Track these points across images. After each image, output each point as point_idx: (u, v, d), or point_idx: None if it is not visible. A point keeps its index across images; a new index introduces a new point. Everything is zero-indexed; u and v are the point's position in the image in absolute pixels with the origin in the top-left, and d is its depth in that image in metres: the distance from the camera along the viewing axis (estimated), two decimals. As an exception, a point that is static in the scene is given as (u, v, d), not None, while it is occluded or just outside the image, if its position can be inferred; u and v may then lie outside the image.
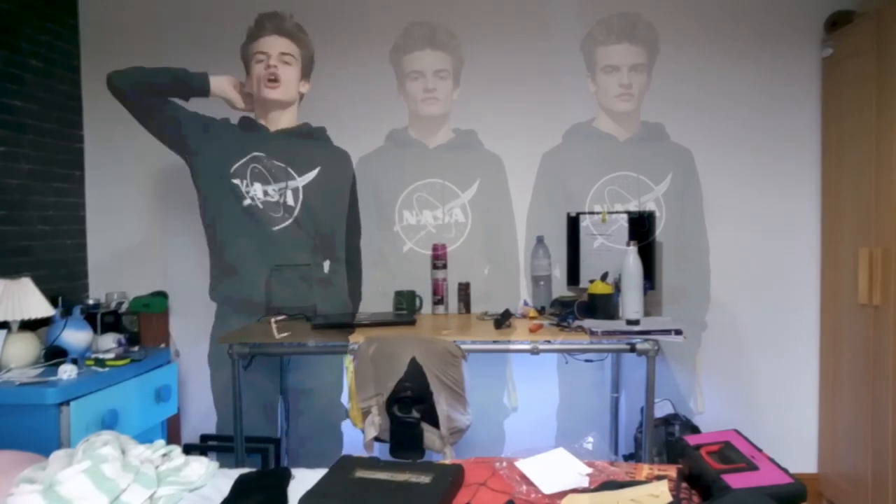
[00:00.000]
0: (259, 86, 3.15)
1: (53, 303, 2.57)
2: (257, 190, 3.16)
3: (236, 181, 3.16)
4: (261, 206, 3.16)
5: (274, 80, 3.13)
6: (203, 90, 3.12)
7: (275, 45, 3.14)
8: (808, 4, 3.03)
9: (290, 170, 3.16)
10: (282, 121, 3.18)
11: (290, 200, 3.16)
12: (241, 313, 3.16)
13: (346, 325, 2.74)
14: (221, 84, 3.14)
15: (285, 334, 2.61)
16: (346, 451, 3.11)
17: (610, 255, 2.95)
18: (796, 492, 1.45)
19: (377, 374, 2.39)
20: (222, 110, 3.18)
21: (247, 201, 3.17)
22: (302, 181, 3.16)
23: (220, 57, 3.16)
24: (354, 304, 3.20)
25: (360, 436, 2.46)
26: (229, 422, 3.12)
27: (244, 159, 3.16)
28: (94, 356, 2.46)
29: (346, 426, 3.17)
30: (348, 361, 2.44)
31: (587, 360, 3.08)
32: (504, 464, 1.72)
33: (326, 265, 3.18)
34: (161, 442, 1.83)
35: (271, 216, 3.17)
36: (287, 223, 3.16)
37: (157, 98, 3.15)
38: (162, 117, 3.16)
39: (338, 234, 3.20)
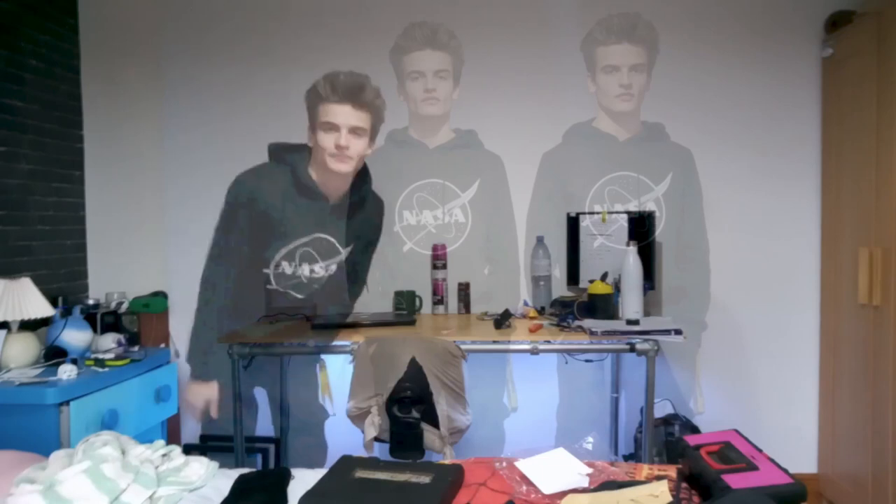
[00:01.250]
0: (324, 156, 3.00)
1: (53, 303, 2.56)
2: (304, 269, 3.07)
3: (268, 271, 3.04)
4: (305, 281, 3.08)
5: (343, 157, 2.98)
6: None
7: (346, 118, 2.98)
8: (808, 4, 3.03)
9: (338, 245, 3.08)
10: (340, 189, 3.04)
11: (332, 272, 3.11)
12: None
13: (347, 325, 2.74)
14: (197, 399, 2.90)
15: (284, 338, 2.60)
16: (340, 451, 3.10)
17: (610, 255, 2.95)
18: (796, 492, 1.45)
19: (377, 375, 2.39)
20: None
21: (271, 286, 3.07)
22: (346, 252, 3.10)
23: (219, 56, 3.16)
24: (351, 302, 3.18)
25: (357, 436, 2.46)
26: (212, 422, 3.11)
27: (299, 241, 3.05)
28: (93, 356, 2.46)
29: (328, 426, 3.18)
30: (322, 364, 2.41)
31: (587, 360, 3.09)
32: (504, 464, 1.72)
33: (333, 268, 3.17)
34: (161, 442, 1.83)
35: (310, 287, 3.11)
36: (322, 287, 3.13)
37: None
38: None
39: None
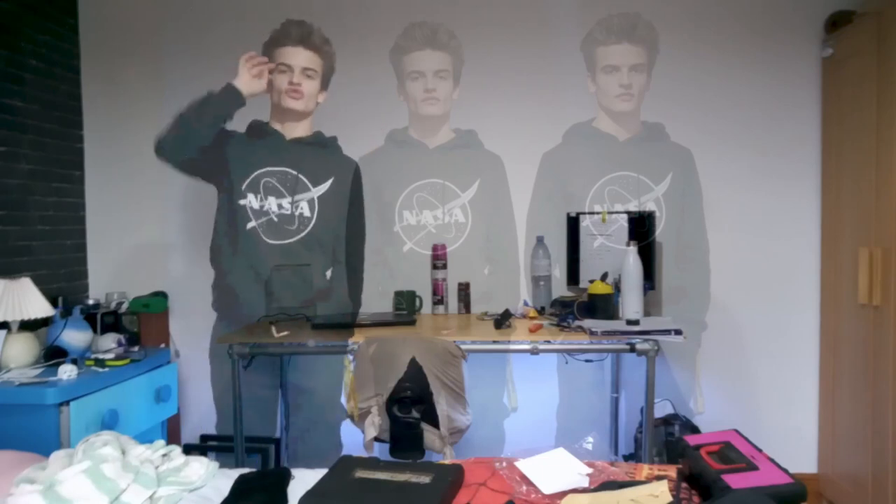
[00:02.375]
0: (280, 95, 3.15)
1: (53, 303, 2.57)
2: (272, 203, 3.14)
3: (243, 202, 3.14)
4: (276, 219, 3.14)
5: (297, 93, 3.14)
6: (240, 103, 3.10)
7: (298, 57, 3.14)
8: (808, 4, 3.03)
9: (305, 180, 3.15)
10: (297, 129, 3.18)
11: (306, 212, 3.16)
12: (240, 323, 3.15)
13: (346, 325, 2.74)
14: (248, 86, 3.10)
15: (284, 333, 2.61)
16: (345, 451, 3.11)
17: (610, 255, 2.95)
18: (796, 492, 1.45)
19: (377, 375, 2.39)
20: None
21: (250, 224, 3.14)
22: (317, 192, 3.16)
23: (219, 56, 3.16)
24: (354, 308, 3.20)
25: (360, 436, 2.46)
26: (229, 421, 3.13)
27: (257, 172, 3.15)
28: (94, 356, 2.46)
29: (345, 427, 3.17)
30: (347, 361, 2.44)
31: (587, 361, 3.09)
32: (504, 464, 1.72)
33: (329, 273, 3.18)
34: (161, 442, 1.83)
35: (285, 229, 3.15)
36: (302, 235, 3.15)
37: (202, 152, 3.13)
38: (216, 169, 3.17)
39: (343, 240, 3.19)
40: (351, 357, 2.44)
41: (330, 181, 3.16)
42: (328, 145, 3.16)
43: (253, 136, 3.16)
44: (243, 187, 3.15)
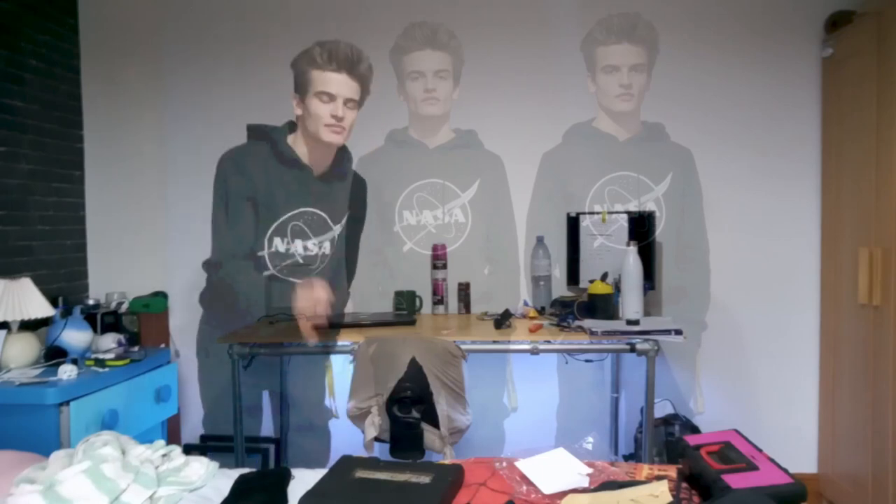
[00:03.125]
0: (318, 127, 3.01)
1: (53, 303, 2.56)
2: (298, 246, 3.06)
3: (262, 253, 3.05)
4: (301, 261, 3.09)
5: (338, 128, 2.99)
6: None
7: (343, 88, 2.99)
8: (808, 4, 3.03)
9: (329, 220, 3.08)
10: (324, 162, 3.07)
11: (327, 250, 3.12)
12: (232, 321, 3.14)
13: (346, 325, 2.74)
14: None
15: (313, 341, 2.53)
16: (341, 451, 3.10)
17: (610, 255, 2.95)
18: (796, 492, 1.45)
19: (377, 375, 2.39)
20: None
21: (268, 272, 3.08)
22: (338, 229, 3.10)
23: (219, 56, 3.16)
24: (342, 301, 3.18)
25: (357, 436, 2.46)
26: (216, 421, 3.12)
27: (288, 215, 3.06)
28: (94, 356, 2.46)
29: (334, 425, 3.17)
30: (328, 362, 2.40)
31: (587, 360, 3.09)
32: (504, 464, 1.72)
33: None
34: (161, 442, 1.83)
35: (308, 269, 3.11)
36: (321, 269, 3.14)
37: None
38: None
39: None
40: (330, 358, 2.40)
41: (346, 216, 3.13)
42: (348, 173, 3.09)
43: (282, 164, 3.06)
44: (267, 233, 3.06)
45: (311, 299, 2.36)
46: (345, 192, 3.10)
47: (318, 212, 3.07)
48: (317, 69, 3.02)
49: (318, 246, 3.06)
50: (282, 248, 3.07)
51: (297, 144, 3.07)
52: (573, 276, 3.02)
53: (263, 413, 3.22)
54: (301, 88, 3.08)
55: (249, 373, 3.09)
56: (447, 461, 1.97)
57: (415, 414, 2.35)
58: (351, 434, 2.60)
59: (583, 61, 3.12)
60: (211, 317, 3.21)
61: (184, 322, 3.23)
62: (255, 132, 3.14)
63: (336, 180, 3.11)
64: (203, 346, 3.22)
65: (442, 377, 2.35)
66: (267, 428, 3.22)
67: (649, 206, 3.10)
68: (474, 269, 3.17)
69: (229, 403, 2.68)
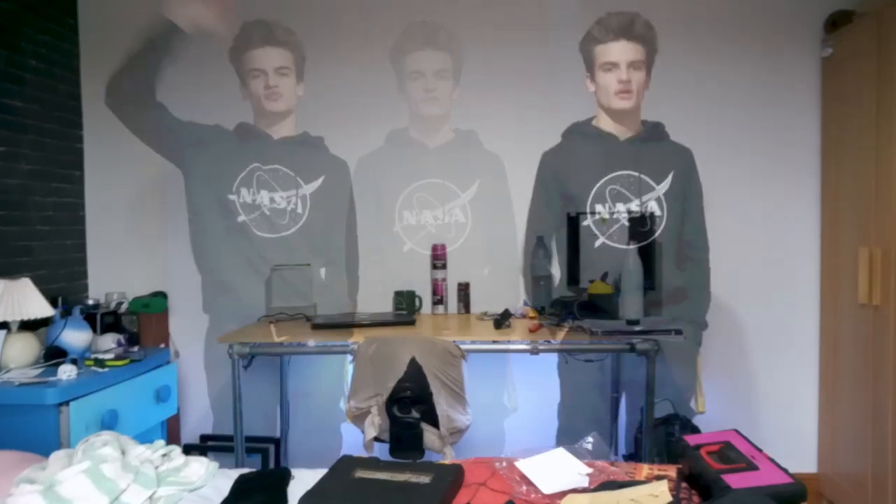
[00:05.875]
0: (259, 100, 3.16)
1: (53, 303, 2.57)
2: (264, 197, 3.15)
3: (233, 196, 3.15)
4: (267, 212, 3.15)
5: (275, 96, 3.15)
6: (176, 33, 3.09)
7: (269, 58, 3.15)
8: (808, 4, 3.03)
9: (297, 178, 3.16)
10: (283, 129, 3.19)
11: (298, 208, 3.16)
12: (239, 322, 3.15)
13: (346, 325, 2.74)
14: (196, 20, 3.06)
15: (284, 338, 2.60)
16: (345, 451, 3.10)
17: (610, 255, 2.95)
18: (796, 492, 1.45)
19: (377, 375, 2.39)
20: (215, 117, 3.17)
21: (241, 217, 3.15)
22: (309, 188, 3.16)
23: (219, 56, 3.16)
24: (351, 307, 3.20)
25: (360, 436, 2.46)
26: (225, 422, 3.13)
27: (246, 170, 3.16)
28: (93, 356, 2.46)
29: (346, 427, 3.17)
30: (349, 363, 2.44)
31: (587, 360, 3.08)
32: (504, 464, 1.72)
33: (322, 272, 3.18)
34: (161, 442, 1.83)
35: (277, 223, 3.16)
36: (292, 231, 3.16)
37: (150, 98, 3.15)
38: (158, 125, 3.16)
39: (337, 239, 3.19)
40: (350, 358, 2.44)
41: (321, 179, 3.17)
42: (315, 145, 3.17)
43: (243, 137, 3.17)
44: (235, 184, 3.15)
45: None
46: (311, 155, 3.17)
47: (284, 170, 3.16)
48: (248, 50, 3.16)
49: (286, 200, 3.14)
50: (248, 199, 3.16)
51: (256, 122, 3.20)
52: (573, 276, 3.02)
53: (260, 412, 3.21)
54: (241, 77, 3.18)
55: (250, 372, 3.11)
56: (447, 461, 1.97)
57: (415, 414, 2.35)
58: (352, 434, 2.60)
59: (581, 62, 3.12)
60: (215, 316, 3.21)
61: (184, 322, 3.23)
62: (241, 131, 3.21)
63: (298, 145, 3.17)
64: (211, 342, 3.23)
65: (442, 377, 2.35)
66: (267, 428, 3.21)
67: (650, 206, 3.09)
68: (474, 269, 3.17)
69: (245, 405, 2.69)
